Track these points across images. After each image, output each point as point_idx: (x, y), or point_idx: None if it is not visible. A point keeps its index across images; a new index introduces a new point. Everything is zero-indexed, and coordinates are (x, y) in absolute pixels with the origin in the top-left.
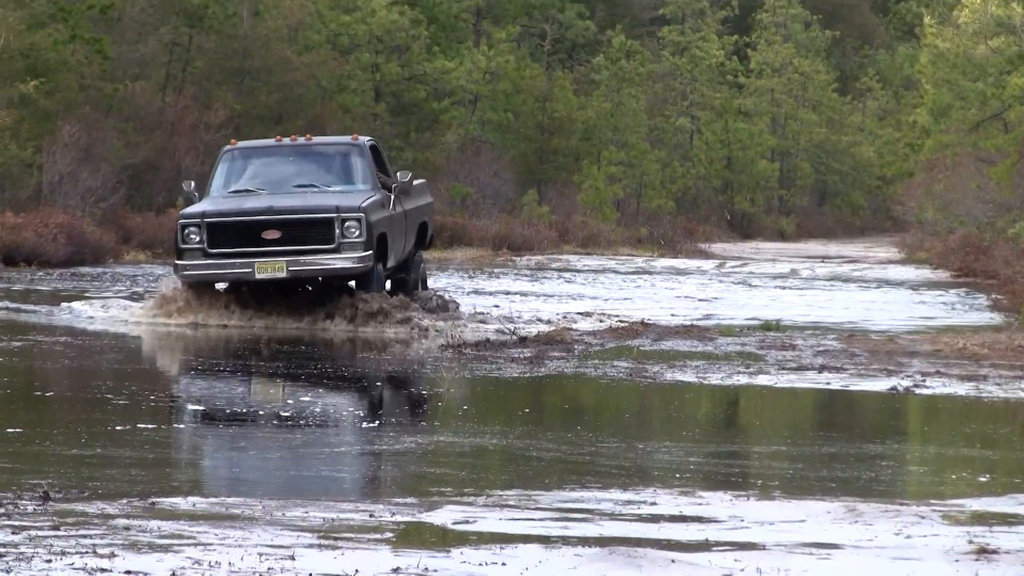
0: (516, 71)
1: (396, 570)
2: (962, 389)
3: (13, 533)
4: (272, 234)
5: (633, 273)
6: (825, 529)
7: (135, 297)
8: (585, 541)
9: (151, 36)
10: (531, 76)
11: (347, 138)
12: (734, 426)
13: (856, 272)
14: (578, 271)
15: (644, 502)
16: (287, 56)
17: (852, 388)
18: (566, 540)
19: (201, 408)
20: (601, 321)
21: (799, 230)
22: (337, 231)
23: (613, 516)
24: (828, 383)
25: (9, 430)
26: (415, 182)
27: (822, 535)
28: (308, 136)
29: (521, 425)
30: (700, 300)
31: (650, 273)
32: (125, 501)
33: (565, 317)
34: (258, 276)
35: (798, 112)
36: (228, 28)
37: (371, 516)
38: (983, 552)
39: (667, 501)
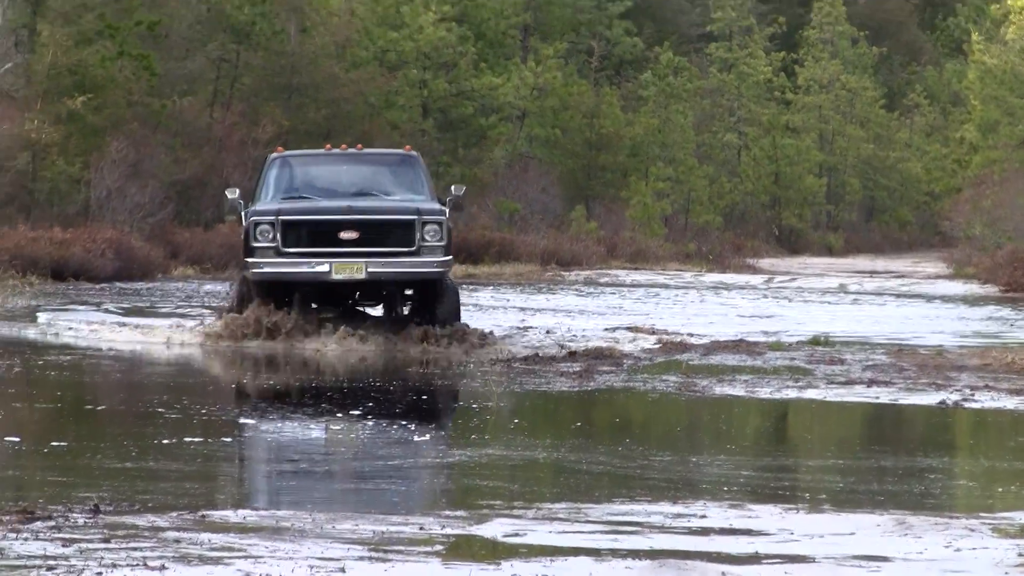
0: (563, 87)
1: None
2: (1011, 403)
3: (64, 546)
4: (350, 234)
5: (682, 288)
6: (875, 542)
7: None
8: (635, 554)
9: (199, 52)
10: (578, 92)
11: (399, 150)
12: (783, 439)
13: (904, 287)
14: (627, 286)
15: (694, 515)
16: (335, 73)
17: (901, 402)
18: (616, 553)
19: (252, 418)
20: (650, 335)
21: (847, 245)
22: (418, 234)
23: (663, 529)
24: (877, 397)
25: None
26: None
27: (872, 548)
28: (358, 146)
29: (570, 438)
30: (749, 315)
31: (699, 289)
32: (175, 514)
33: (614, 331)
34: (335, 276)
35: (846, 128)
36: (275, 45)
37: (421, 529)
38: None
39: (717, 514)
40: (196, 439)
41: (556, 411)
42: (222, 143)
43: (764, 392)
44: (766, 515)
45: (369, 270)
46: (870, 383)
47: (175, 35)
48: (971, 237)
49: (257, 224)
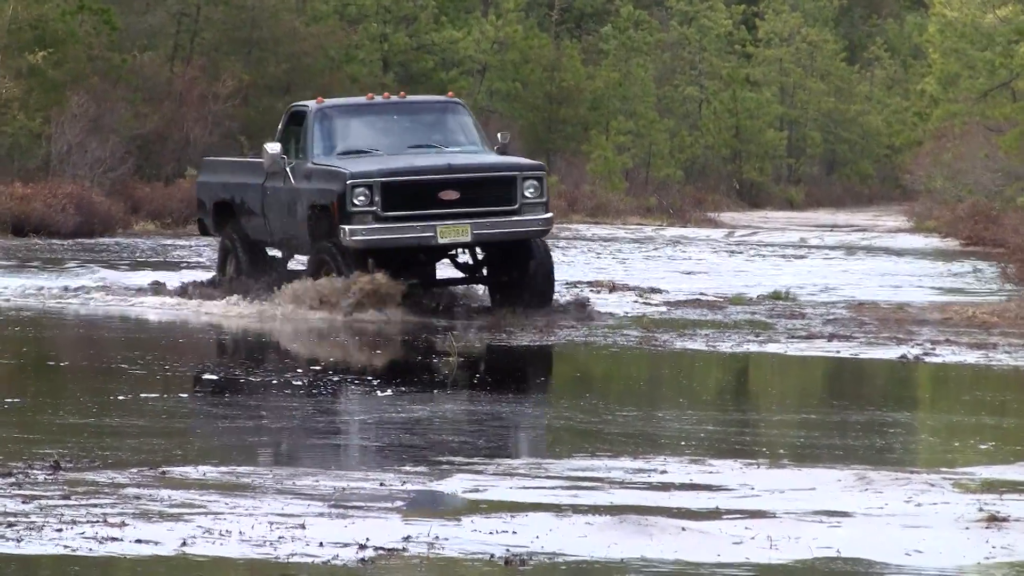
0: (524, 41)
1: (407, 539)
2: (972, 357)
3: (24, 503)
4: (450, 195)
5: (643, 242)
6: (835, 497)
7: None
8: (596, 509)
9: (159, 7)
10: (539, 46)
11: (444, 97)
12: (744, 394)
13: (865, 241)
14: (587, 240)
15: (654, 470)
16: (295, 27)
17: (862, 356)
18: (576, 508)
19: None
20: (611, 290)
21: (808, 199)
22: (519, 191)
23: (624, 484)
24: (838, 351)
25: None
26: None
27: (832, 503)
28: (401, 94)
29: (531, 393)
30: (710, 269)
31: (659, 243)
32: (135, 470)
33: (575, 286)
34: (441, 240)
35: (806, 81)
36: None
37: (381, 485)
38: (993, 520)
39: (677, 469)
40: (154, 395)
41: (517, 366)
42: (182, 98)
43: (725, 346)
44: (727, 470)
45: (475, 232)
46: (831, 337)
47: None
48: (932, 191)
49: (354, 187)
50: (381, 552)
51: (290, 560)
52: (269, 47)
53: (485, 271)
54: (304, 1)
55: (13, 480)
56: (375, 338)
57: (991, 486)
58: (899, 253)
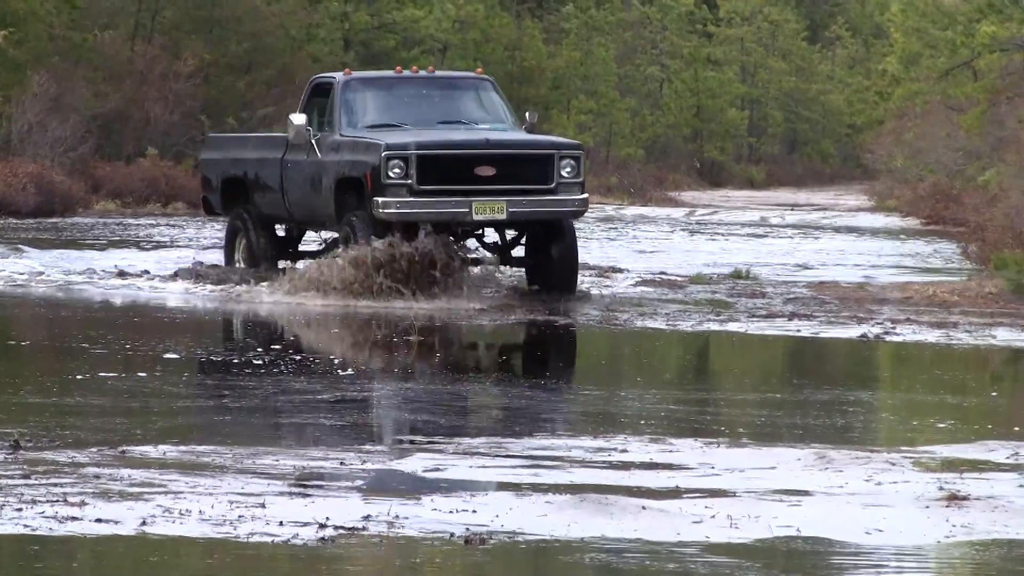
0: (485, 20)
1: (367, 518)
2: (932, 336)
3: None
4: (486, 171)
5: (604, 221)
6: (796, 476)
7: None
8: (556, 488)
9: None
10: (500, 25)
11: (472, 73)
12: (705, 373)
13: (826, 220)
14: None
15: (615, 449)
16: (256, 5)
17: (822, 335)
18: (536, 487)
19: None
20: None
21: (769, 178)
22: (555, 169)
23: (584, 463)
24: (798, 330)
25: None
26: None
27: (792, 482)
28: (430, 68)
29: (490, 372)
30: (670, 248)
31: (620, 221)
32: (95, 449)
33: None
34: (476, 217)
35: (768, 60)
36: None
37: (342, 464)
38: (953, 498)
39: (638, 448)
40: (114, 374)
41: (478, 345)
42: (143, 76)
43: (685, 325)
44: (687, 449)
45: (510, 210)
46: (791, 316)
47: None
48: (893, 170)
49: (389, 159)
50: (341, 531)
51: (250, 539)
52: (230, 26)
53: (512, 253)
54: None
55: None
56: (355, 319)
57: (951, 465)
58: (860, 232)
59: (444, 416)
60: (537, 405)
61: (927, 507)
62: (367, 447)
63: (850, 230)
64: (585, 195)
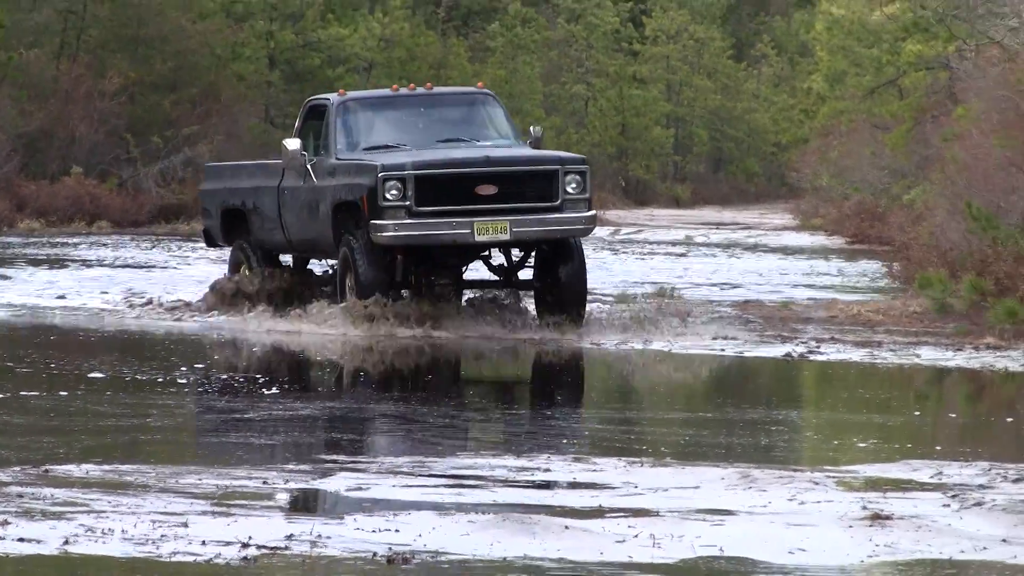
0: (411, 38)
1: (290, 537)
2: (856, 355)
3: None
4: (488, 189)
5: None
6: (719, 495)
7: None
8: (478, 508)
9: (45, 4)
10: (426, 43)
11: (473, 88)
12: (628, 392)
13: (751, 239)
14: None
15: (538, 468)
16: (181, 24)
17: (746, 355)
18: (460, 507)
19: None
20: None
21: (694, 197)
22: (560, 186)
23: (507, 482)
24: (723, 350)
25: None
26: None
27: (716, 501)
28: (428, 85)
29: (413, 392)
30: (594, 267)
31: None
32: (18, 468)
33: None
34: (478, 239)
35: (693, 79)
36: None
37: (264, 483)
38: (876, 518)
39: (561, 467)
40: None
41: (394, 364)
42: (68, 95)
43: (609, 344)
44: (610, 468)
45: (514, 230)
46: (715, 336)
47: None
48: (818, 188)
49: (385, 180)
50: (264, 551)
51: (172, 559)
52: (155, 44)
53: (520, 275)
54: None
55: None
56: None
57: (875, 484)
58: (785, 251)
59: (367, 434)
60: (459, 424)
61: (850, 527)
62: (291, 466)
63: (775, 249)
64: (592, 212)
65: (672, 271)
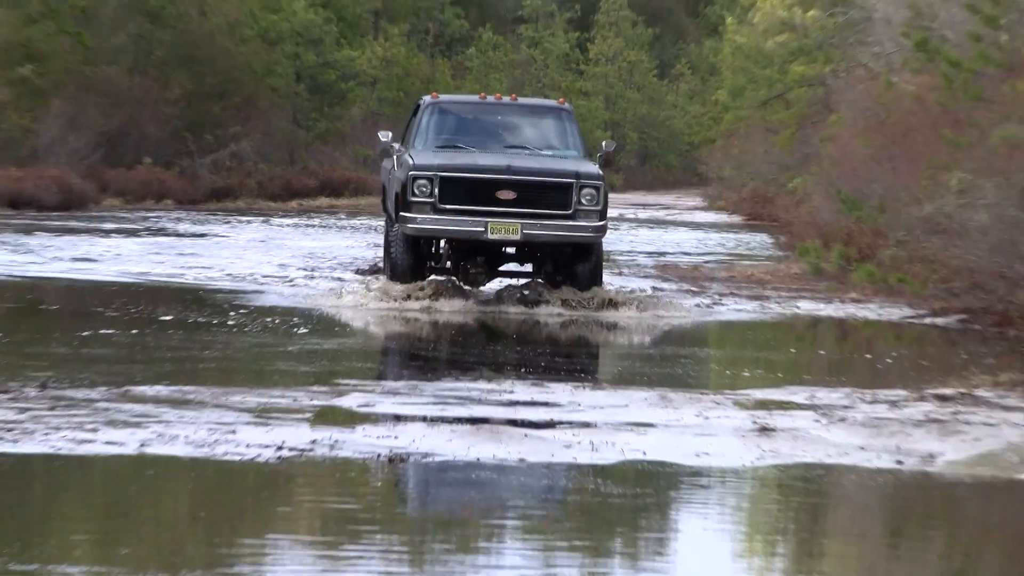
0: (406, 59)
1: (313, 442)
2: (750, 306)
3: (19, 413)
4: (507, 194)
5: None
6: (643, 412)
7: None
8: (458, 420)
9: (121, 30)
10: (418, 63)
11: (553, 102)
12: (573, 334)
13: (669, 216)
14: None
15: (504, 391)
16: (227, 47)
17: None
18: (444, 420)
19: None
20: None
21: (626, 184)
22: (574, 197)
23: (480, 402)
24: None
25: None
26: None
27: (640, 417)
28: (513, 96)
29: (411, 335)
30: None
31: None
32: (104, 388)
33: None
34: (490, 236)
35: (626, 92)
36: (181, 24)
37: (294, 401)
38: (763, 430)
39: (522, 390)
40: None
41: (406, 325)
42: (140, 101)
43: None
44: (560, 391)
45: (524, 232)
46: (643, 291)
47: (103, 16)
48: (722, 178)
49: (415, 179)
50: (293, 452)
51: (223, 458)
52: (207, 63)
53: (550, 267)
54: (234, 27)
55: (11, 396)
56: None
57: (762, 404)
58: (696, 226)
59: (374, 364)
60: (444, 357)
61: (743, 436)
62: (314, 388)
63: (688, 224)
64: (603, 222)
65: (607, 242)
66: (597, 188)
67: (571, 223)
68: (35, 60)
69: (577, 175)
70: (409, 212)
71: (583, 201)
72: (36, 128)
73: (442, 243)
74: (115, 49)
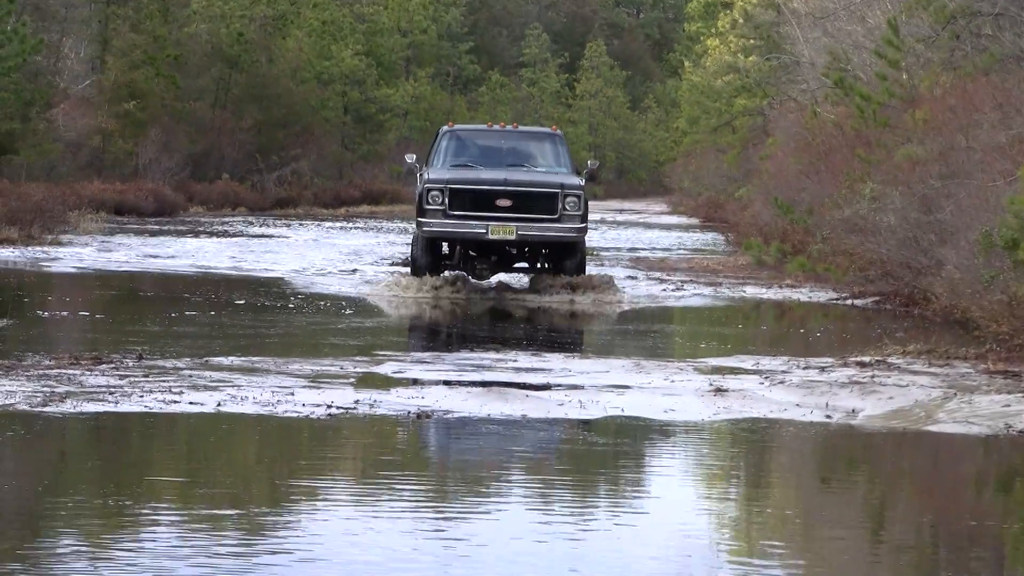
0: (431, 95)
1: (357, 402)
2: (707, 291)
3: (119, 379)
4: (504, 202)
5: None
6: (621, 377)
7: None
8: (473, 383)
9: (205, 73)
10: (440, 99)
11: (547, 129)
12: (562, 312)
13: (641, 219)
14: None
15: (510, 359)
16: (290, 87)
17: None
18: (461, 383)
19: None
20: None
21: (606, 193)
22: (560, 204)
23: (490, 368)
24: (623, 287)
25: None
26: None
27: (619, 380)
28: (514, 124)
29: (432, 317)
30: None
31: None
32: (189, 359)
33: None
34: (491, 236)
35: (606, 121)
36: (253, 69)
37: (341, 369)
38: (718, 391)
39: (523, 359)
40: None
41: (426, 309)
42: (220, 130)
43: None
44: (554, 360)
45: (519, 232)
46: (622, 278)
47: (191, 63)
48: (682, 188)
49: (429, 190)
50: (341, 410)
51: (284, 415)
52: (273, 99)
53: (546, 264)
54: (295, 71)
55: (112, 365)
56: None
57: (717, 370)
58: (662, 227)
59: (404, 338)
60: (461, 332)
61: (702, 396)
62: (357, 358)
63: (655, 225)
64: (584, 224)
65: (590, 240)
66: (578, 197)
67: (557, 225)
68: (137, 97)
69: (562, 186)
70: (425, 218)
71: (567, 207)
72: (137, 151)
73: (456, 248)
74: (200, 88)
